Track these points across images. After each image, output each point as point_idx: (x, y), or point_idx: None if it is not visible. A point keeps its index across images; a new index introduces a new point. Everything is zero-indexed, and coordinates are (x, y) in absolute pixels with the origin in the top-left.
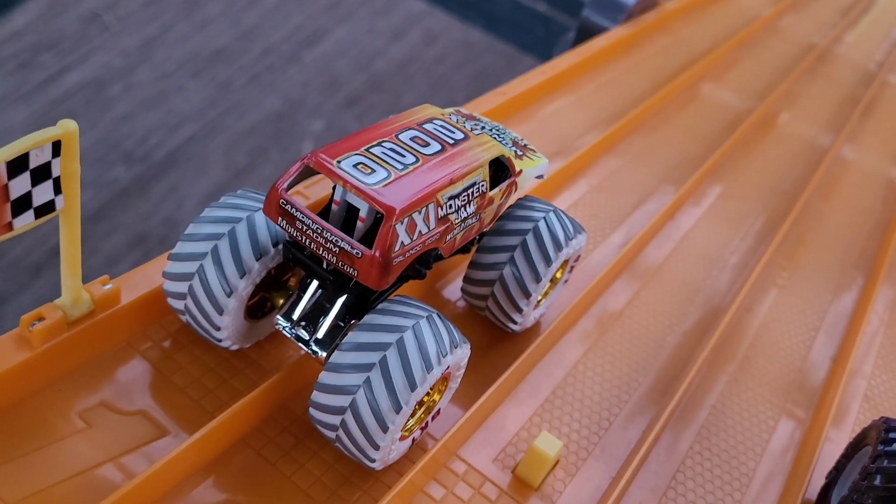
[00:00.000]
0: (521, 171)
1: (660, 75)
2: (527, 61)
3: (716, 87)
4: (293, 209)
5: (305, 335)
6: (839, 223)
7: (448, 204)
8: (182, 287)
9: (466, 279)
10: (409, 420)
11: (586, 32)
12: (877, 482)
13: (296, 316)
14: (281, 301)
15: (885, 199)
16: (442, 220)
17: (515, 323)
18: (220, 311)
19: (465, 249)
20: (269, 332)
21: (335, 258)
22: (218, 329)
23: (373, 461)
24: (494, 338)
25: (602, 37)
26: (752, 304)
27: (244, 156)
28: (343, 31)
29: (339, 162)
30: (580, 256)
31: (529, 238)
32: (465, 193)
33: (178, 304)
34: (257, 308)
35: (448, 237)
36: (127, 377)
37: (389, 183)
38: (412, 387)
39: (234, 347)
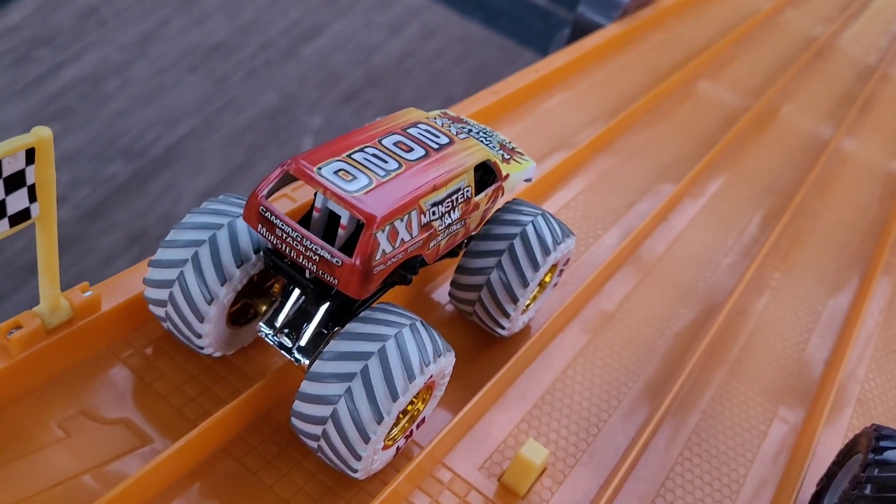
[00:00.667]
0: (507, 176)
1: (655, 72)
2: (526, 55)
3: (711, 85)
4: (273, 216)
5: (288, 343)
6: (834, 222)
7: (431, 211)
8: (163, 294)
9: (454, 284)
10: (392, 429)
11: (581, 30)
12: (867, 491)
13: (278, 323)
14: (264, 308)
15: (881, 197)
16: (425, 227)
17: (503, 328)
18: (201, 319)
19: (452, 253)
20: (253, 338)
21: (315, 266)
22: (199, 336)
23: (355, 471)
24: (482, 342)
25: (597, 34)
26: (746, 305)
27: (242, 152)
28: (341, 25)
29: (319, 168)
30: (569, 260)
31: (517, 242)
32: (450, 199)
33: (159, 311)
34: (240, 315)
35: (432, 244)
36: (107, 385)
37: (371, 190)
38: (394, 397)
39: (217, 354)
